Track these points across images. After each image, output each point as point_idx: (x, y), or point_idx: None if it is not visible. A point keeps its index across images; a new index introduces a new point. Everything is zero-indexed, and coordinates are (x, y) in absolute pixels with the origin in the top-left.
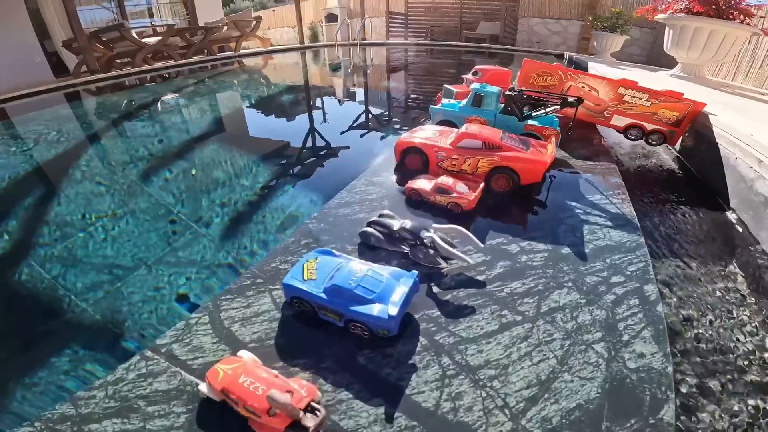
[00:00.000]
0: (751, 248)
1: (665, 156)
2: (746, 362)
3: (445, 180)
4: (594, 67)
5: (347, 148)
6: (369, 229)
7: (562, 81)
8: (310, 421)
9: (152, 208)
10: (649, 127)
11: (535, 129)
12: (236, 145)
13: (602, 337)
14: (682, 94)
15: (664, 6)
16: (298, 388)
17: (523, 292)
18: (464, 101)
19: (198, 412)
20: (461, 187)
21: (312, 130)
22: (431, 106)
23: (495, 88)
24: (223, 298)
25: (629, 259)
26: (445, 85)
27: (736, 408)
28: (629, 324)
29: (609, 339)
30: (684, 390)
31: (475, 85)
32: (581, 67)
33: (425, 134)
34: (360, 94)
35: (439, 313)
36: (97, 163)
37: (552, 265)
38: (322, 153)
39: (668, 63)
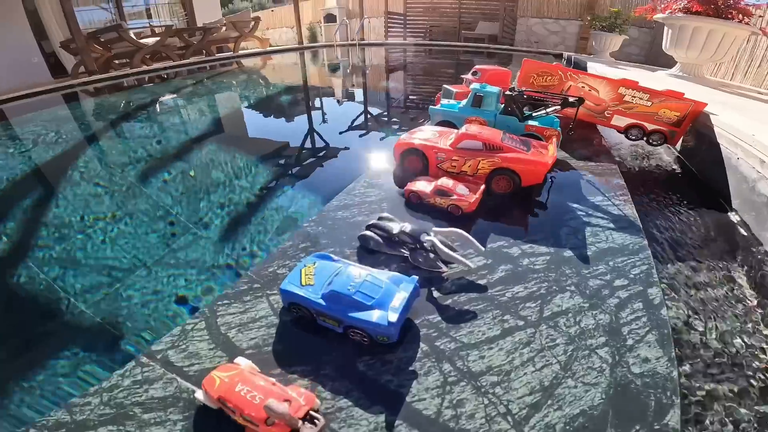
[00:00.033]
0: (754, 250)
1: (666, 156)
2: (753, 367)
3: (445, 182)
4: (593, 67)
5: (346, 149)
6: (368, 233)
7: (562, 81)
8: (308, 430)
9: (151, 209)
10: (649, 127)
11: (536, 129)
12: (235, 146)
13: (606, 342)
14: (683, 94)
15: (663, 5)
16: (296, 396)
17: (525, 297)
18: (464, 101)
19: (194, 420)
20: (461, 189)
21: (311, 131)
22: (431, 106)
23: (495, 89)
24: (219, 303)
25: (632, 261)
26: (445, 86)
27: (743, 412)
28: (633, 328)
29: (613, 344)
30: (689, 395)
31: (475, 86)
32: (580, 67)
33: (425, 135)
34: (359, 94)
35: (439, 318)
36: (95, 165)
37: (554, 269)
38: (320, 154)
39: (666, 62)
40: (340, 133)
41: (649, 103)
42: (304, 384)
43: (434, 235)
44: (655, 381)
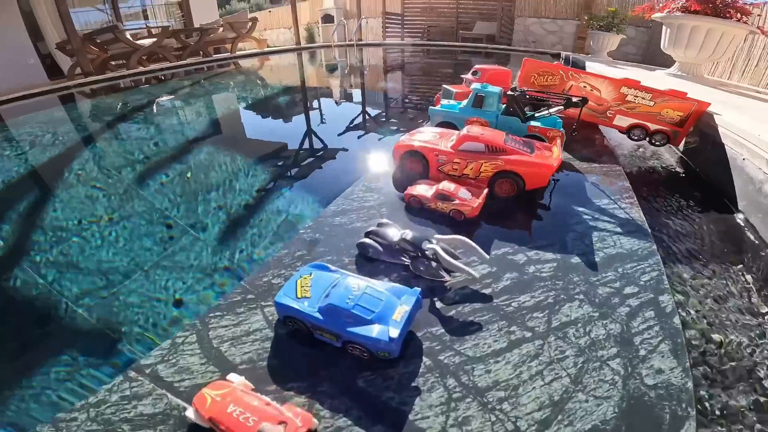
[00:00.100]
0: (763, 253)
1: (669, 157)
2: None
3: (447, 186)
4: (591, 67)
5: (345, 149)
6: (367, 241)
7: (563, 80)
8: None
9: (148, 212)
10: (652, 127)
11: (539, 131)
12: (232, 147)
13: (618, 353)
14: (686, 94)
15: (661, 5)
16: (292, 417)
17: (532, 306)
18: (464, 102)
19: None
20: (464, 193)
21: (309, 132)
22: (430, 107)
23: (496, 88)
24: (211, 315)
25: (642, 267)
26: (444, 86)
27: (759, 427)
28: (646, 338)
29: (625, 354)
30: (705, 407)
31: (476, 85)
32: (579, 67)
33: (425, 137)
34: (357, 95)
35: (443, 330)
36: (92, 167)
37: (562, 276)
38: (318, 156)
39: (664, 62)
40: (339, 134)
41: (652, 103)
42: (301, 402)
43: (436, 243)
44: (670, 393)
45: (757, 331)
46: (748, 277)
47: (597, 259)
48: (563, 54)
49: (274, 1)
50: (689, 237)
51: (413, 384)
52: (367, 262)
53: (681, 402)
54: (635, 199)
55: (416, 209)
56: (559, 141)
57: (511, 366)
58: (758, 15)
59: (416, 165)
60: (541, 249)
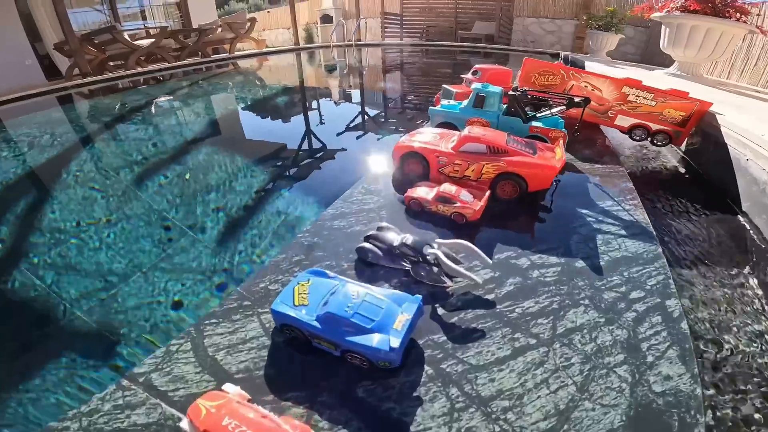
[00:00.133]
0: None
1: (670, 157)
2: None
3: (448, 188)
4: (590, 66)
5: (343, 149)
6: (366, 245)
7: (564, 80)
8: None
9: (146, 213)
10: (654, 127)
11: (541, 131)
12: (231, 148)
13: (625, 360)
14: (688, 93)
15: (660, 4)
16: (290, 429)
17: (536, 312)
18: (465, 102)
19: None
20: (465, 195)
21: (308, 133)
22: (430, 107)
23: (497, 88)
24: (206, 322)
25: (648, 271)
26: (444, 86)
27: None
28: (653, 344)
29: (632, 361)
30: (714, 413)
31: (477, 85)
32: (579, 67)
33: (425, 138)
34: (356, 95)
35: (445, 338)
36: (90, 168)
37: (566, 281)
38: (317, 157)
39: (662, 61)
40: (338, 134)
41: (654, 103)
42: (299, 413)
43: (438, 247)
44: (678, 400)
45: (766, 337)
46: (755, 280)
47: (602, 263)
48: (562, 54)
49: (273, 1)
50: (693, 239)
51: (415, 394)
52: (367, 267)
53: (690, 409)
54: (639, 200)
55: (417, 212)
56: (561, 142)
57: (515, 374)
58: (757, 14)
59: (416, 166)
60: (544, 253)
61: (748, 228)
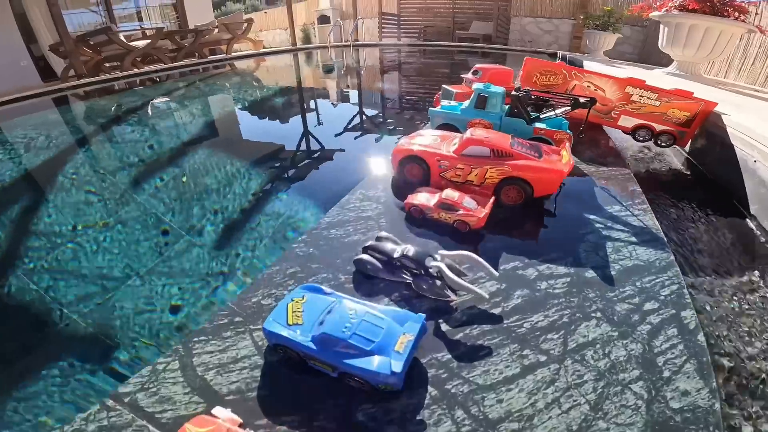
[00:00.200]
0: None
1: (674, 158)
2: None
3: (450, 194)
4: (590, 66)
5: (342, 150)
6: (365, 257)
7: (566, 80)
8: None
9: (143, 216)
10: (658, 127)
11: (545, 133)
12: (228, 150)
13: (640, 375)
14: (692, 93)
15: (658, 3)
16: None
17: (546, 327)
18: (466, 103)
19: None
20: (468, 202)
21: (306, 134)
22: (430, 108)
23: (499, 88)
24: (195, 339)
25: (661, 281)
26: (444, 86)
27: None
28: (669, 358)
29: (648, 377)
30: (732, 430)
31: (478, 85)
32: (578, 66)
33: (425, 140)
34: (354, 95)
35: (449, 356)
36: (86, 170)
37: (576, 293)
38: (314, 160)
39: (659, 61)
40: (336, 135)
41: (658, 103)
42: None
43: (441, 260)
44: (696, 416)
45: None
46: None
47: (613, 273)
48: (560, 53)
49: (270, 2)
50: (703, 244)
51: (418, 417)
52: (365, 280)
53: (708, 425)
54: (647, 204)
55: (417, 219)
56: (567, 144)
57: (524, 394)
58: (756, 13)
59: (416, 171)
60: (552, 262)
61: (757, 232)
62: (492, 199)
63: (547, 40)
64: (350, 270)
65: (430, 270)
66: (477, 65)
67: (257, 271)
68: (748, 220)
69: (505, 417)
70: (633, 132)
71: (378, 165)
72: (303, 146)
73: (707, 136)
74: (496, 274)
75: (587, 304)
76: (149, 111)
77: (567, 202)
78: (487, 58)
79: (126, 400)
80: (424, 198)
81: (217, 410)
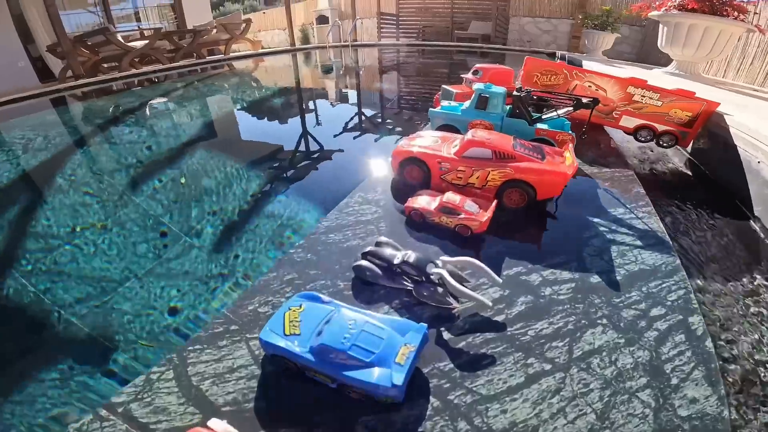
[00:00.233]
0: None
1: (676, 158)
2: None
3: (451, 198)
4: (589, 66)
5: (341, 150)
6: (364, 263)
7: (567, 80)
8: None
9: (141, 218)
10: (660, 128)
11: (547, 134)
12: (226, 151)
13: (648, 383)
14: (695, 93)
15: (657, 3)
16: None
17: (550, 334)
18: (467, 103)
19: None
20: (470, 205)
21: (305, 134)
22: (430, 109)
23: (501, 89)
24: (190, 348)
25: (667, 286)
26: (444, 86)
27: None
28: (677, 364)
29: (655, 384)
30: None
31: (479, 86)
32: (577, 66)
33: (425, 142)
34: (353, 96)
35: (452, 365)
36: (84, 172)
37: (581, 299)
38: (313, 161)
39: (657, 60)
40: (335, 136)
41: (660, 103)
42: None
43: (443, 266)
44: (705, 424)
45: None
46: None
47: (618, 278)
48: (558, 53)
49: (269, 2)
50: (707, 247)
51: (420, 429)
52: (365, 287)
53: None
54: (651, 207)
55: (418, 224)
56: (570, 145)
57: (529, 404)
58: (755, 13)
59: (417, 173)
60: (556, 267)
61: (762, 234)
62: (494, 203)
63: (546, 40)
64: (349, 276)
65: (432, 277)
66: (477, 65)
67: (257, 273)
68: (752, 221)
69: (509, 428)
70: (635, 132)
71: (377, 166)
72: (302, 147)
73: (709, 136)
74: (500, 280)
75: (593, 310)
76: (147, 112)
77: (570, 204)
78: (486, 58)
79: (120, 410)
80: (424, 201)
81: (213, 422)
